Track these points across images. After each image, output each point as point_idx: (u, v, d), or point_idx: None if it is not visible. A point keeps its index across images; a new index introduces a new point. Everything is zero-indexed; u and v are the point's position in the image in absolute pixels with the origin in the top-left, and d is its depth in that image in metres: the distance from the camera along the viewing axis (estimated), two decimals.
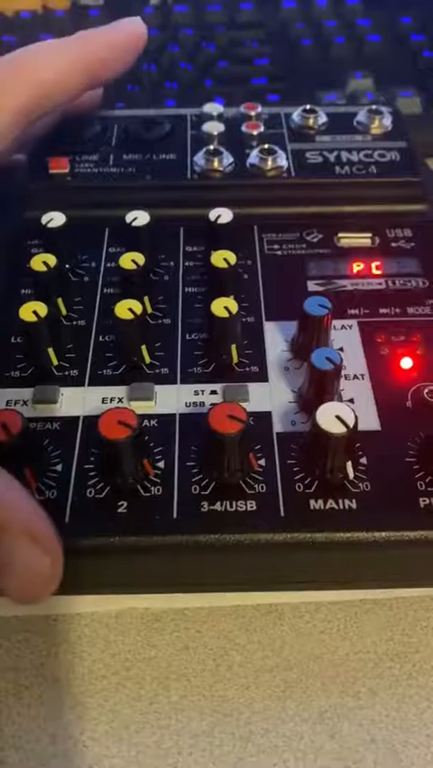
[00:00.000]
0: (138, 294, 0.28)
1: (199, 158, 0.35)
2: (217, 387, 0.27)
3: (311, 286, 0.31)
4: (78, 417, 0.26)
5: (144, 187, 0.34)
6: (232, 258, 0.29)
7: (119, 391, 0.27)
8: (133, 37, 0.33)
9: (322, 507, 0.24)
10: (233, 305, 0.27)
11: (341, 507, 0.24)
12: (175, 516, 0.24)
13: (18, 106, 0.30)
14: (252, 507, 0.24)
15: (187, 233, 0.33)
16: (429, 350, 0.28)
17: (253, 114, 0.39)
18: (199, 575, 0.25)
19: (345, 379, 0.27)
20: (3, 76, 0.30)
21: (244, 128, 0.37)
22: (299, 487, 0.24)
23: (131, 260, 0.29)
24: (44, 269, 0.28)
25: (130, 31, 0.33)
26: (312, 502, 0.24)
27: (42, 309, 0.26)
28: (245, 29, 0.55)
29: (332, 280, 0.31)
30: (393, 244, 0.33)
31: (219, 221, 0.31)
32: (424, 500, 0.24)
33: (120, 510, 0.24)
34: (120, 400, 0.27)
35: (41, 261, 0.29)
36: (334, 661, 0.25)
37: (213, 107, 0.39)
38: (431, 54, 0.52)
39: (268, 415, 0.26)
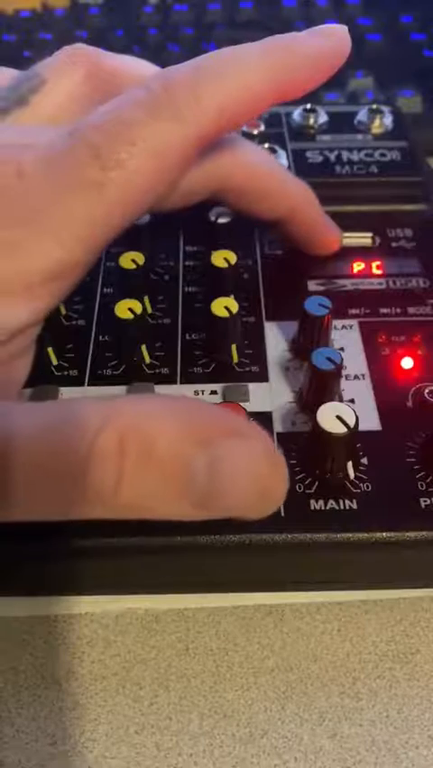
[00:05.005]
0: (138, 294, 0.28)
1: None
2: (217, 387, 0.27)
3: (312, 285, 0.31)
4: None
5: None
6: (232, 258, 0.29)
7: (119, 391, 0.27)
8: (337, 47, 0.25)
9: (323, 508, 0.24)
10: (233, 304, 0.27)
11: (342, 507, 0.24)
12: None
13: (198, 135, 0.24)
14: None
15: (187, 233, 0.33)
16: (430, 350, 0.28)
17: None
18: (199, 576, 0.25)
19: (346, 379, 0.27)
20: (182, 98, 0.23)
21: (244, 127, 0.37)
22: (300, 487, 0.24)
23: (131, 259, 0.29)
24: None
25: (334, 38, 0.25)
26: (313, 502, 0.24)
27: None
28: (245, 28, 0.55)
29: (332, 280, 0.31)
30: (394, 244, 0.33)
31: (219, 221, 0.31)
32: (425, 500, 0.24)
33: None
34: None
35: None
36: (334, 662, 0.25)
37: None
38: (432, 53, 0.52)
39: (268, 415, 0.26)
